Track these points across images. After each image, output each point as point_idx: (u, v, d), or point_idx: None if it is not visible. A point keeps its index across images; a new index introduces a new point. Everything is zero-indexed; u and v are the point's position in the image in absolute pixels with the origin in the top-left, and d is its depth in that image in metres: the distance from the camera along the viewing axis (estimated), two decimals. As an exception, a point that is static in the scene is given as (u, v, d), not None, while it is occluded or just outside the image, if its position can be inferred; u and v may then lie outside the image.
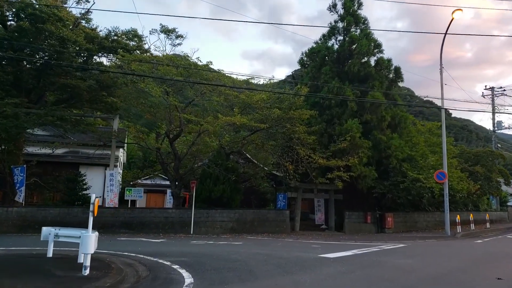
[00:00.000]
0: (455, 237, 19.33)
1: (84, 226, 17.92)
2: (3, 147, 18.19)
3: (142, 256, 10.02)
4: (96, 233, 7.91)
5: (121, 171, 28.47)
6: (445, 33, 20.63)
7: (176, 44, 21.49)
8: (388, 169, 21.58)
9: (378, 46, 23.53)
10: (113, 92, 20.89)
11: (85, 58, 20.59)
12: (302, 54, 24.99)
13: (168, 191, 26.45)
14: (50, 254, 9.33)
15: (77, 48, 19.48)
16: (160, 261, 9.13)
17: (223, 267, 8.34)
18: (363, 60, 23.20)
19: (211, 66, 18.89)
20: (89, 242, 6.59)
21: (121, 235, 16.71)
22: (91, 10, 23.09)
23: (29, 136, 20.90)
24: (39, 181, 20.20)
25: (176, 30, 20.93)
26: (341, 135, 20.19)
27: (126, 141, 24.12)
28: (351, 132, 19.49)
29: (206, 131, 17.86)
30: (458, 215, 21.81)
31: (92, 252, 6.80)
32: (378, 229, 21.94)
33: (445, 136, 21.79)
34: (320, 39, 25.08)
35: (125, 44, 21.35)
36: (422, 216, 25.19)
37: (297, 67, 26.95)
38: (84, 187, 20.17)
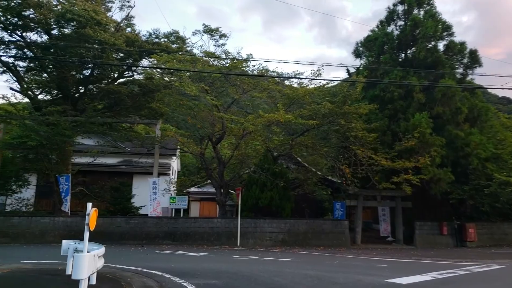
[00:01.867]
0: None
1: (128, 237, 17.51)
2: (50, 156, 18.15)
3: (168, 276, 8.67)
4: (101, 250, 6.65)
5: (174, 179, 28.02)
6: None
7: (220, 44, 20.43)
8: (467, 171, 18.52)
9: (447, 28, 20.63)
10: (156, 97, 20.31)
11: (126, 63, 20.18)
12: (357, 43, 22.77)
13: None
14: (69, 271, 8.32)
15: (117, 52, 19.13)
16: (185, 284, 7.68)
17: (258, 296, 6.66)
18: (429, 46, 20.42)
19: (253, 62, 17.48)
20: (81, 264, 5.27)
21: (163, 247, 15.74)
22: (133, 15, 22.95)
23: (76, 145, 20.96)
24: (85, 190, 20.03)
25: (220, 29, 19.85)
26: (407, 131, 17.66)
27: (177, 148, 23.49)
28: (419, 128, 16.91)
29: (250, 132, 16.40)
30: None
31: (85, 277, 5.48)
32: (457, 243, 18.90)
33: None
34: (377, 26, 22.70)
35: (166, 46, 20.71)
36: (514, 227, 21.45)
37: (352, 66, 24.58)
38: (128, 196, 19.64)
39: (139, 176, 25.70)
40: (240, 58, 15.57)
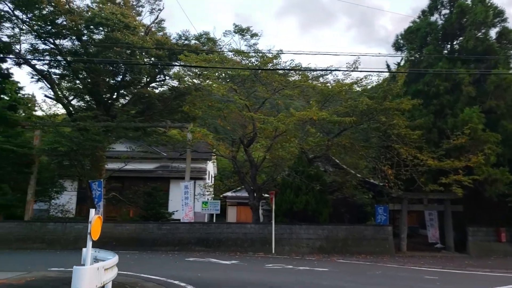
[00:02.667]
0: None
1: (160, 243, 17.17)
2: (82, 162, 18.26)
3: (191, 288, 8.04)
4: (110, 261, 6.11)
5: (210, 184, 27.78)
6: None
7: (251, 44, 19.83)
8: (528, 171, 16.63)
9: (499, 13, 18.82)
10: (187, 100, 20.04)
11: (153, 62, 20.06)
12: (397, 36, 21.33)
13: (260, 203, 24.75)
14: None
15: (147, 56, 19.04)
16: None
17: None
18: (479, 34, 18.71)
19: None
20: (80, 278, 4.71)
21: (194, 254, 15.28)
22: (163, 19, 22.91)
23: (110, 150, 21.07)
24: (117, 195, 20.04)
25: (251, 28, 19.25)
26: (455, 128, 16.14)
27: (209, 152, 23.16)
28: (470, 124, 15.36)
29: (282, 133, 15.59)
30: None
31: (86, 292, 4.91)
32: (518, 251, 17.03)
33: None
34: (419, 17, 21.19)
35: (196, 48, 20.41)
36: None
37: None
38: (161, 201, 19.41)
39: (176, 181, 25.65)
40: (270, 55, 14.82)
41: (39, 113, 20.09)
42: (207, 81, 14.43)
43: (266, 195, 20.48)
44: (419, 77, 19.01)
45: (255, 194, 18.26)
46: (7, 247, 16.83)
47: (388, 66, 22.05)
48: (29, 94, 27.26)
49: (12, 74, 20.15)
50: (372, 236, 17.05)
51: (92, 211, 5.10)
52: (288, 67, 16.06)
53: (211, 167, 33.49)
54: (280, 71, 15.85)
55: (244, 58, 15.04)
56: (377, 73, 16.39)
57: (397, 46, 21.35)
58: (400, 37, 21.30)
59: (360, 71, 13.08)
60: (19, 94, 24.68)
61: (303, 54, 19.68)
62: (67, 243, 17.06)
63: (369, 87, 16.47)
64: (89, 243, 5.06)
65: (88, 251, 5.12)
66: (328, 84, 15.62)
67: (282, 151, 18.06)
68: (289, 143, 17.15)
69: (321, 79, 17.77)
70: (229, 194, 31.31)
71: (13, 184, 19.05)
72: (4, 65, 20.03)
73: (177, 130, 22.88)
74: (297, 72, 16.30)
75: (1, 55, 20.28)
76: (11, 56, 18.98)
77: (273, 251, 16.10)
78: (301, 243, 16.83)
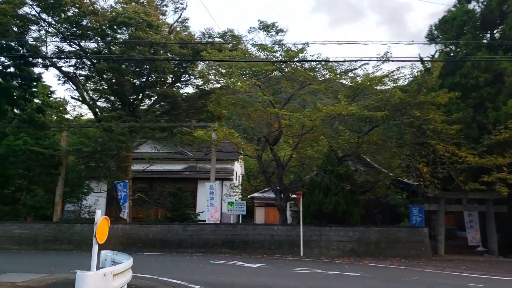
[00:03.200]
0: None
1: (185, 245, 16.90)
2: (107, 162, 18.28)
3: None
4: (120, 266, 5.73)
5: (237, 184, 27.48)
6: None
7: (277, 40, 19.29)
8: None
9: (545, -3, 17.40)
10: (211, 99, 19.74)
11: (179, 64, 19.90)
12: (431, 27, 20.22)
13: (289, 204, 24.17)
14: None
15: (171, 55, 18.87)
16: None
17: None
18: (523, 20, 17.37)
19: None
20: (84, 285, 4.33)
21: (220, 256, 14.90)
22: (187, 17, 22.78)
23: (135, 151, 21.12)
24: (143, 196, 19.98)
25: (276, 24, 18.70)
26: (498, 122, 15.00)
27: (234, 151, 22.76)
28: (514, 117, 14.18)
29: (309, 131, 14.94)
30: None
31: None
32: None
33: None
34: (454, 5, 19.99)
35: (220, 45, 20.09)
36: None
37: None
38: (186, 202, 19.18)
39: (204, 182, 25.50)
40: (296, 49, 14.21)
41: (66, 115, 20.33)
42: (231, 79, 13.93)
43: (294, 196, 19.87)
44: (456, 69, 17.90)
45: (282, 195, 17.69)
46: (35, 248, 17.08)
47: (421, 59, 20.95)
48: (60, 98, 27.97)
49: (42, 77, 20.61)
50: (407, 238, 16.11)
51: (98, 211, 4.72)
52: (314, 63, 15.38)
53: (238, 168, 33.20)
54: (306, 65, 15.20)
55: (268, 53, 14.48)
56: (410, 66, 15.29)
57: (431, 38, 20.24)
58: (434, 27, 20.19)
59: (393, 61, 12.14)
60: (51, 98, 25.31)
61: (329, 44, 18.94)
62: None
63: (401, 81, 15.51)
64: (95, 247, 4.68)
65: (94, 256, 4.75)
66: (358, 78, 14.79)
67: (310, 149, 17.42)
68: (317, 141, 16.49)
69: (350, 74, 16.98)
70: (256, 194, 30.86)
71: (42, 185, 19.37)
72: (36, 70, 20.54)
73: (203, 130, 22.72)
74: (324, 66, 15.58)
75: (30, 59, 20.75)
76: (39, 60, 19.34)
77: (302, 254, 15.50)
78: (331, 245, 16.15)
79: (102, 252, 8.76)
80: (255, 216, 32.33)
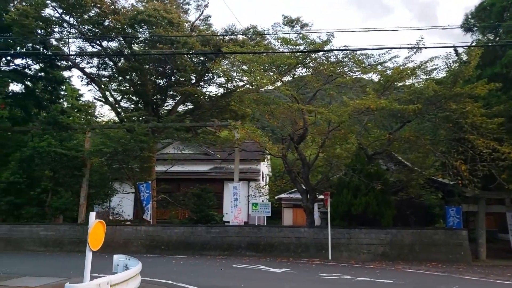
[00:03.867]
0: None
1: (209, 247, 16.47)
2: (129, 163, 18.13)
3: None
4: (122, 274, 5.29)
5: (264, 185, 27.01)
6: None
7: (299, 32, 18.60)
8: None
9: None
10: (233, 96, 19.31)
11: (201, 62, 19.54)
12: (466, 15, 18.96)
13: (315, 205, 23.40)
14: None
15: (192, 53, 18.56)
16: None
17: None
18: None
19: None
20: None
21: (244, 259, 14.43)
22: (210, 15, 22.51)
23: (162, 153, 20.98)
24: (167, 197, 19.75)
25: (301, 19, 18.03)
26: (545, 115, 13.72)
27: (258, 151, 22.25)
28: None
29: (336, 127, 14.18)
30: None
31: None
32: None
33: None
34: (493, -9, 18.62)
35: (243, 42, 19.62)
36: None
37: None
38: (210, 203, 18.78)
39: (230, 183, 25.24)
40: (320, 41, 13.47)
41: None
42: (253, 74, 13.35)
43: (321, 197, 19.12)
44: (495, 59, 16.64)
45: (308, 196, 17.01)
46: (60, 250, 17.16)
47: (456, 51, 19.69)
48: (88, 100, 28.30)
49: (67, 79, 20.73)
50: (444, 241, 15.07)
51: (92, 214, 4.26)
52: (341, 56, 14.61)
53: (264, 168, 32.74)
54: (332, 59, 14.42)
55: (291, 46, 13.81)
56: (445, 56, 14.19)
57: (466, 27, 18.95)
58: (470, 16, 18.92)
59: (427, 47, 11.07)
60: (80, 101, 25.61)
61: (356, 31, 17.89)
62: (117, 246, 16.96)
63: (434, 73, 14.44)
64: (89, 255, 4.20)
65: (87, 265, 4.31)
66: (388, 71, 13.85)
67: (339, 148, 16.62)
68: (346, 139, 15.67)
69: (379, 68, 16.07)
70: (284, 195, 30.26)
71: (67, 187, 19.48)
72: (66, 74, 20.75)
73: (228, 130, 22.34)
74: (351, 60, 14.73)
75: (55, 61, 20.98)
76: (63, 62, 19.48)
77: (330, 258, 14.79)
78: (361, 249, 15.34)
79: (115, 256, 8.46)
80: (283, 218, 31.75)
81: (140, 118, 18.21)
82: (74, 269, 11.34)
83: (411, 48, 12.05)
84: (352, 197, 15.34)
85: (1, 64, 20.83)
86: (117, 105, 20.17)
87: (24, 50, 20.77)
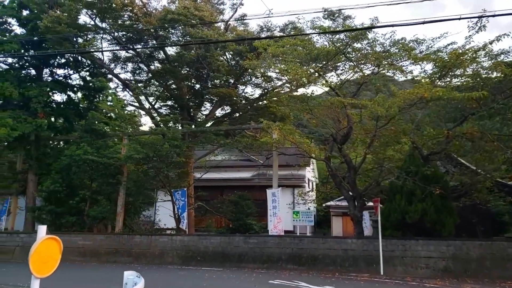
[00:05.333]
0: None
1: (247, 259, 15.25)
2: (163, 170, 17.50)
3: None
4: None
5: (310, 192, 25.67)
6: None
7: (340, 23, 17.15)
8: None
9: None
10: (270, 94, 18.19)
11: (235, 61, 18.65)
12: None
13: (365, 214, 21.53)
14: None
15: (226, 51, 17.73)
16: None
17: None
18: None
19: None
20: None
21: (283, 274, 13.16)
22: (245, 13, 21.65)
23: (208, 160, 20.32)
24: (204, 205, 18.92)
25: (342, 11, 16.61)
26: None
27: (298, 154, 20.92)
28: None
29: (385, 125, 12.56)
30: None
31: None
32: None
33: None
34: None
35: (280, 39, 18.50)
36: None
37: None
38: (248, 211, 17.68)
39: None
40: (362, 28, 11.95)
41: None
42: (285, 65, 12.12)
43: (371, 204, 17.38)
44: None
45: (355, 202, 15.38)
46: (97, 260, 16.82)
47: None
48: (133, 111, 28.42)
49: (107, 87, 20.64)
50: (521, 255, 12.83)
51: (42, 228, 3.23)
52: (388, 43, 12.97)
53: (310, 174, 31.32)
54: (378, 48, 12.80)
55: (330, 35, 12.42)
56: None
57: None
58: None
59: (493, 16, 9.00)
60: (126, 111, 25.70)
61: (403, 25, 15.70)
62: (153, 257, 16.38)
63: (502, 56, 12.34)
64: (34, 283, 3.14)
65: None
66: (443, 54, 12.00)
67: (390, 149, 14.89)
68: (397, 138, 13.94)
69: (432, 57, 14.20)
70: (332, 203, 28.57)
71: (105, 195, 19.28)
72: (112, 85, 20.81)
73: (267, 133, 21.24)
74: (400, 48, 13.00)
75: (93, 69, 21.07)
76: (98, 69, 19.43)
77: (382, 273, 13.12)
78: (418, 263, 13.49)
79: (125, 273, 7.53)
80: (331, 227, 30.02)
81: (175, 123, 17.58)
82: (106, 282, 10.79)
83: (475, 18, 10.05)
84: (406, 204, 13.59)
85: (44, 74, 21.30)
86: (152, 110, 19.77)
87: (64, 60, 21.16)
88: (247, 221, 17.32)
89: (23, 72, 19.34)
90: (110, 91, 21.03)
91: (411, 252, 13.71)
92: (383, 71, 12.95)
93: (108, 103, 20.12)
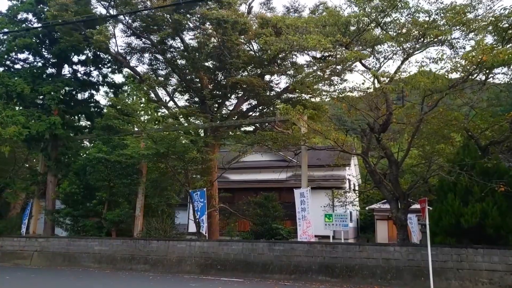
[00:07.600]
0: None
1: (271, 269, 13.19)
2: (177, 168, 16.27)
3: None
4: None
5: (344, 192, 23.58)
6: None
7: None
8: None
9: None
10: (295, 80, 16.48)
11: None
12: None
13: (413, 217, 19.17)
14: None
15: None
16: None
17: None
18: None
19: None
20: None
21: (314, 286, 11.57)
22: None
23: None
24: (227, 207, 17.49)
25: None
26: None
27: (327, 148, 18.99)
28: None
29: (432, 109, 10.50)
30: None
31: None
32: None
33: None
34: None
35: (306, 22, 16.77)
36: None
37: None
38: (275, 214, 16.02)
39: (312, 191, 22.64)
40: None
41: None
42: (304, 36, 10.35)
43: (417, 205, 15.14)
44: None
45: (399, 204, 13.30)
46: (113, 267, 15.91)
47: None
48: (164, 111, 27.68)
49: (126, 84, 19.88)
50: None
51: None
52: (433, 12, 10.86)
53: (351, 173, 29.30)
54: (421, 17, 10.74)
55: (362, 3, 10.49)
56: None
57: None
58: None
59: None
60: (159, 113, 24.94)
61: None
62: (170, 265, 15.18)
63: None
64: None
65: None
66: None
67: (442, 143, 12.74)
68: (447, 124, 11.78)
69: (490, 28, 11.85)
70: (376, 206, 26.42)
71: (122, 197, 18.41)
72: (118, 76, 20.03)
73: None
74: (452, 18, 10.73)
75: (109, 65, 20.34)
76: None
77: (431, 287, 11.00)
78: (478, 276, 11.31)
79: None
80: (376, 231, 27.87)
81: (194, 118, 16.31)
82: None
83: None
84: (461, 204, 11.42)
85: (63, 72, 20.84)
86: (167, 101, 18.66)
87: (84, 57, 20.58)
88: (273, 225, 15.65)
89: (37, 69, 18.80)
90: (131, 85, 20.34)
91: (469, 264, 11.52)
92: (428, 47, 10.78)
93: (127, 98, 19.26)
